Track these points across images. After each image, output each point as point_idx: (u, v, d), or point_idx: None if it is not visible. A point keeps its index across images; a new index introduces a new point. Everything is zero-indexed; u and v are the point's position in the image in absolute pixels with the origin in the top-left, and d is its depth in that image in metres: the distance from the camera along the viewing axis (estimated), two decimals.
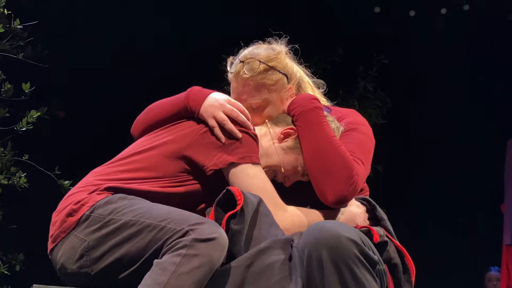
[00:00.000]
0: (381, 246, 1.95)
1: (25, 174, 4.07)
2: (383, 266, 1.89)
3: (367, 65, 5.86)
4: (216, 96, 2.02)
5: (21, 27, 4.10)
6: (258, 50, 2.11)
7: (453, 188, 6.29)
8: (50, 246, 1.91)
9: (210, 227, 1.71)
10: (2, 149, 4.15)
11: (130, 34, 5.63)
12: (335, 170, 1.94)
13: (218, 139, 1.95)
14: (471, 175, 6.23)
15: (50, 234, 1.92)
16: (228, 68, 2.14)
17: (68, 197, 1.93)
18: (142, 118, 2.15)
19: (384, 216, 2.08)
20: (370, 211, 2.09)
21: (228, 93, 2.16)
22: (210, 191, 1.97)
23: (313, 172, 1.98)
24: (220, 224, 1.76)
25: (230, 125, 1.96)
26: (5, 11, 3.96)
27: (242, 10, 6.03)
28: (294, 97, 2.11)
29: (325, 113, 2.12)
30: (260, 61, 2.06)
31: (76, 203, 1.86)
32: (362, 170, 2.02)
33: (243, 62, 2.07)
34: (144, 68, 5.69)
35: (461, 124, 6.28)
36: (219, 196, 1.84)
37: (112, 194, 1.88)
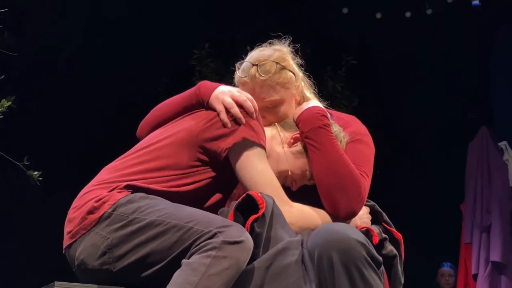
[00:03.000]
0: (379, 246, 2.05)
1: None
2: (382, 267, 1.98)
3: (335, 65, 5.97)
4: (226, 87, 2.10)
5: None
6: (267, 52, 2.18)
7: (415, 186, 6.46)
8: (67, 242, 1.93)
9: (237, 230, 1.77)
10: None
11: (102, 23, 5.61)
12: (346, 188, 2.04)
13: (224, 123, 2.01)
14: (433, 175, 6.41)
15: (67, 230, 1.94)
16: (239, 73, 2.19)
17: (85, 194, 1.96)
18: (149, 118, 2.21)
19: (381, 210, 2.20)
20: (371, 207, 2.20)
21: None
22: (219, 188, 2.04)
23: (325, 189, 2.07)
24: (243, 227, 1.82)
25: (236, 110, 2.01)
26: None
27: (211, 8, 6.06)
28: (302, 110, 2.18)
29: (332, 122, 2.19)
30: (276, 63, 2.14)
31: (97, 201, 1.89)
32: (367, 183, 2.14)
33: (256, 65, 2.13)
34: (114, 59, 5.66)
35: (426, 125, 6.45)
36: (238, 201, 1.90)
37: (132, 192, 1.91)
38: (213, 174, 2.02)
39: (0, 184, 5.01)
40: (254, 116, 2.04)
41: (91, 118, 5.79)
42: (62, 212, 2.03)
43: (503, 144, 5.74)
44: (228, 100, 2.02)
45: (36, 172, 4.23)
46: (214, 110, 2.05)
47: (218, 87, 2.09)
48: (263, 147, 2.03)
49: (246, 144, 1.99)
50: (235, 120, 2.01)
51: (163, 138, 2.04)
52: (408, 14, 6.35)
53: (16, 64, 4.70)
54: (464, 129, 6.02)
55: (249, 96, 2.08)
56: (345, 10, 6.25)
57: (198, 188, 2.00)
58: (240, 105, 2.02)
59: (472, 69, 6.26)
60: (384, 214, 2.20)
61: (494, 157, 5.55)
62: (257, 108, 2.07)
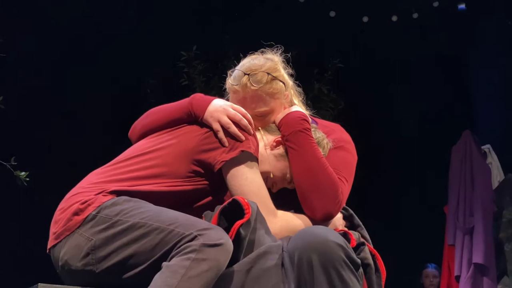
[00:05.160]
0: (356, 249, 2.09)
1: None
2: (361, 269, 2.03)
3: (322, 68, 6.02)
4: (219, 102, 2.12)
5: None
6: (258, 61, 2.22)
7: (400, 188, 6.52)
8: (52, 243, 1.96)
9: (217, 233, 1.81)
10: None
11: (90, 24, 5.62)
12: (323, 190, 2.08)
13: (222, 142, 2.05)
14: (418, 177, 6.48)
15: (52, 231, 1.97)
16: (230, 81, 2.22)
17: (72, 196, 1.99)
18: (141, 122, 2.23)
19: (361, 223, 2.24)
20: (348, 218, 2.24)
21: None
22: (210, 193, 2.08)
23: (303, 191, 2.11)
24: (227, 231, 1.86)
25: (234, 129, 2.06)
26: None
27: (199, 10, 6.09)
28: (284, 115, 2.22)
29: (314, 127, 2.25)
30: (268, 73, 2.17)
31: (82, 203, 1.92)
32: (346, 188, 2.18)
33: (248, 74, 2.17)
34: (102, 61, 5.68)
35: (410, 127, 6.51)
36: (224, 205, 1.94)
37: (117, 195, 1.95)
38: (206, 182, 2.06)
39: None
40: (251, 132, 2.09)
41: (79, 119, 5.81)
42: (49, 213, 2.07)
43: (486, 147, 5.82)
44: (225, 119, 2.06)
45: (23, 173, 4.25)
46: (207, 126, 2.08)
47: (211, 103, 2.11)
48: (256, 159, 2.07)
49: (240, 158, 2.04)
50: (233, 137, 2.05)
51: (157, 149, 2.07)
52: (394, 18, 6.42)
53: (3, 65, 4.72)
54: (448, 132, 6.09)
55: (243, 110, 2.11)
56: (332, 14, 6.30)
57: (189, 190, 2.04)
58: (236, 123, 2.07)
59: (457, 72, 6.34)
60: (363, 228, 2.24)
61: (477, 160, 5.61)
62: (252, 122, 2.11)
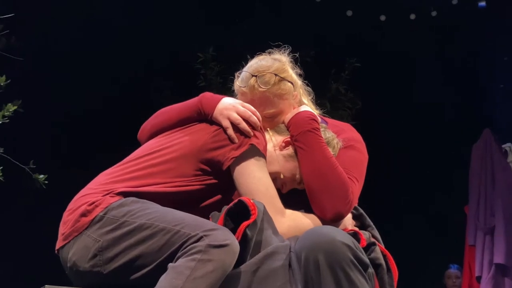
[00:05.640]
0: (367, 249, 2.07)
1: (1, 168, 4.08)
2: (372, 270, 2.01)
3: (339, 67, 5.99)
4: (229, 100, 2.12)
5: None
6: (266, 63, 2.21)
7: (419, 187, 6.47)
8: (60, 243, 1.98)
9: (223, 234, 1.80)
10: None
11: (108, 26, 5.64)
12: (333, 190, 2.07)
13: (231, 138, 2.04)
14: (438, 177, 6.42)
15: (61, 232, 1.99)
16: (238, 83, 2.22)
17: (80, 197, 2.00)
18: (151, 123, 2.24)
19: (371, 223, 2.22)
20: (358, 217, 2.21)
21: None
22: (217, 190, 2.08)
23: (313, 191, 2.10)
24: (234, 231, 1.85)
25: (244, 125, 2.06)
26: None
27: (210, 10, 6.09)
28: (293, 115, 2.21)
29: (324, 126, 2.23)
30: (275, 74, 2.16)
31: (90, 204, 1.93)
32: (356, 187, 2.16)
33: (256, 76, 2.16)
34: (119, 62, 5.70)
35: (430, 126, 6.46)
36: (230, 206, 1.93)
37: (125, 196, 1.95)
38: (214, 181, 2.06)
39: (6, 187, 5.05)
40: (259, 128, 2.09)
41: (97, 122, 5.84)
42: (59, 214, 2.08)
43: (507, 146, 5.75)
44: (235, 116, 2.06)
45: (41, 176, 4.28)
46: (218, 123, 2.08)
47: (220, 101, 2.11)
48: (264, 157, 2.07)
49: (249, 153, 2.03)
50: (242, 134, 2.05)
51: (166, 147, 2.07)
52: (412, 16, 6.36)
53: (22, 68, 4.75)
54: (468, 131, 6.02)
55: (252, 108, 2.11)
56: (349, 13, 6.27)
57: (197, 190, 2.04)
58: (246, 120, 2.06)
59: (476, 70, 6.26)
60: (374, 228, 2.22)
61: (498, 159, 5.55)
62: (261, 120, 2.11)
